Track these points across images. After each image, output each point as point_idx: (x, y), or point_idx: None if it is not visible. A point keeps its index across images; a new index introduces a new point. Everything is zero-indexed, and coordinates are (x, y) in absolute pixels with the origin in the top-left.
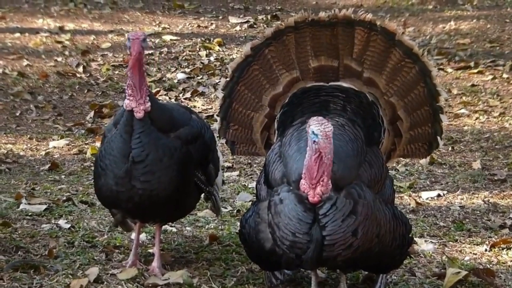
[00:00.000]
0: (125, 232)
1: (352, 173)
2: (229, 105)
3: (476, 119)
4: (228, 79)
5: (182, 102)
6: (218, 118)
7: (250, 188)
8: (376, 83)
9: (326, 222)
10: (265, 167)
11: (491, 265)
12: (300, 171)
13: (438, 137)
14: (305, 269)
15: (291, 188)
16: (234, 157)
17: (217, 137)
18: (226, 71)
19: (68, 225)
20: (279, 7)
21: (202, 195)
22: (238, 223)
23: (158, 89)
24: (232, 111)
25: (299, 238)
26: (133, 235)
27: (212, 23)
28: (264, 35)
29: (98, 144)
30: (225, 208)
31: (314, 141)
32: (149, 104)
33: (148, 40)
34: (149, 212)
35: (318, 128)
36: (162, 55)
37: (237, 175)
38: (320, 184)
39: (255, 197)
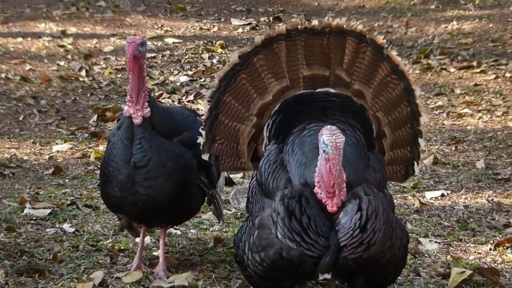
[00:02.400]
0: (129, 236)
1: (360, 176)
2: (215, 118)
3: (479, 119)
4: (214, 89)
5: (185, 105)
6: (203, 132)
7: None
8: (364, 96)
9: (339, 228)
10: (259, 175)
11: (495, 264)
12: (310, 175)
13: (415, 163)
14: (320, 272)
15: (313, 190)
16: None
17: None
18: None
19: (73, 229)
20: (281, 9)
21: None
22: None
23: (161, 92)
24: (218, 124)
25: (321, 240)
26: (138, 239)
27: (214, 26)
28: (254, 42)
29: (101, 147)
30: (229, 210)
31: (324, 151)
32: (148, 110)
33: (147, 44)
34: (154, 216)
35: (329, 138)
36: (165, 58)
37: (241, 177)
38: (337, 194)
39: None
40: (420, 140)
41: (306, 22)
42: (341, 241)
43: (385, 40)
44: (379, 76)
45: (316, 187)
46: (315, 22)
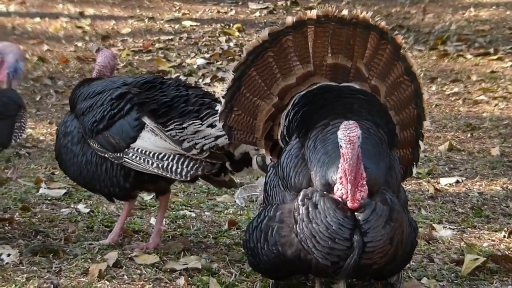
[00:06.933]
0: (144, 217)
1: (382, 178)
2: (237, 89)
3: (495, 106)
4: (241, 61)
5: (201, 87)
6: (223, 100)
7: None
8: (379, 93)
9: (367, 228)
10: (280, 170)
11: (509, 252)
12: (332, 175)
13: (414, 164)
14: (337, 278)
15: (324, 192)
16: None
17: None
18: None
19: (87, 210)
20: None
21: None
22: (257, 208)
23: (177, 74)
24: (239, 95)
25: (339, 244)
26: (152, 220)
27: (231, 9)
28: (285, 23)
29: None
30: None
31: (341, 146)
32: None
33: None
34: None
35: (343, 133)
36: (182, 40)
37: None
38: (358, 190)
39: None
40: (420, 143)
41: (337, 11)
42: (368, 246)
43: (403, 41)
44: (393, 75)
45: (337, 184)
46: (344, 12)
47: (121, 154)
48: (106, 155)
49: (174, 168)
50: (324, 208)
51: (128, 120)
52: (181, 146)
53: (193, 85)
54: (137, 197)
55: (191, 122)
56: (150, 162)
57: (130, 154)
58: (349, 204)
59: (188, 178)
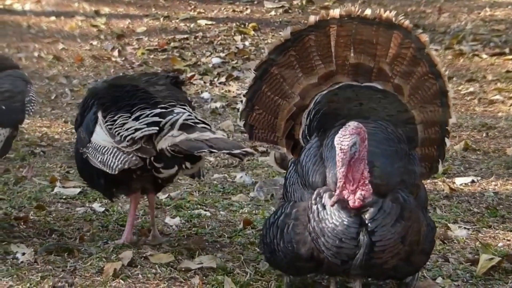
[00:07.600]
0: (159, 216)
1: (396, 178)
2: (258, 87)
3: (510, 105)
4: (263, 60)
5: (216, 86)
6: (244, 99)
7: (284, 172)
8: (403, 92)
9: (375, 227)
10: (300, 168)
11: None
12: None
13: (440, 161)
14: (349, 277)
15: (333, 192)
16: None
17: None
18: (262, 54)
19: (102, 209)
20: None
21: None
22: (272, 208)
23: (193, 73)
24: (260, 94)
25: (346, 244)
26: (167, 219)
27: (247, 8)
28: (307, 22)
29: None
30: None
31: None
32: None
33: None
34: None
35: (336, 140)
36: (197, 39)
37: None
38: (360, 189)
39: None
40: (446, 140)
41: (360, 10)
42: (377, 245)
43: (428, 39)
44: (417, 74)
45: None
46: (367, 11)
47: (85, 149)
48: (80, 151)
49: (108, 161)
50: (330, 208)
51: (90, 115)
52: (114, 139)
53: (169, 80)
54: (138, 191)
55: (121, 114)
56: (97, 156)
57: (90, 149)
58: (350, 203)
59: (116, 172)
